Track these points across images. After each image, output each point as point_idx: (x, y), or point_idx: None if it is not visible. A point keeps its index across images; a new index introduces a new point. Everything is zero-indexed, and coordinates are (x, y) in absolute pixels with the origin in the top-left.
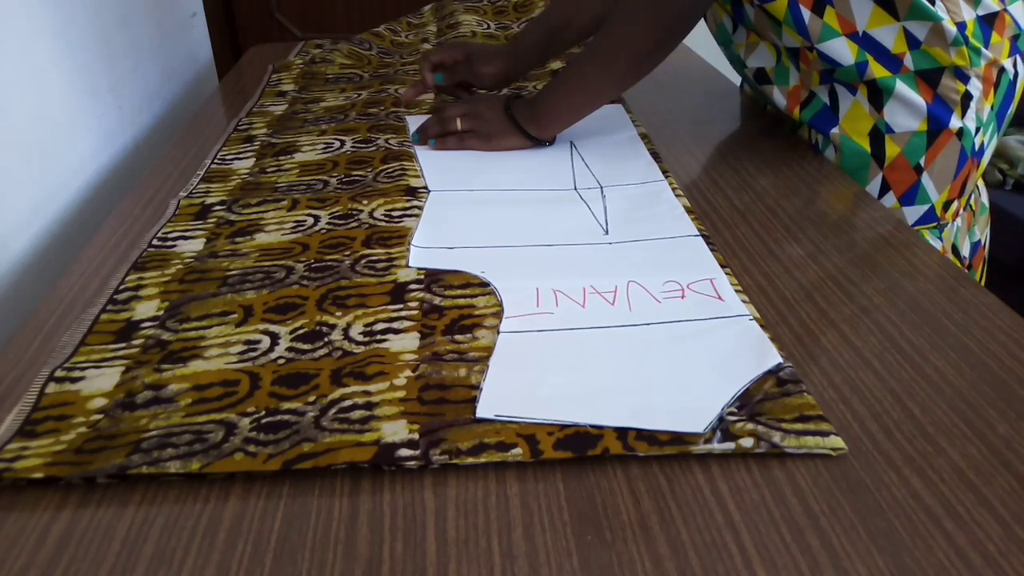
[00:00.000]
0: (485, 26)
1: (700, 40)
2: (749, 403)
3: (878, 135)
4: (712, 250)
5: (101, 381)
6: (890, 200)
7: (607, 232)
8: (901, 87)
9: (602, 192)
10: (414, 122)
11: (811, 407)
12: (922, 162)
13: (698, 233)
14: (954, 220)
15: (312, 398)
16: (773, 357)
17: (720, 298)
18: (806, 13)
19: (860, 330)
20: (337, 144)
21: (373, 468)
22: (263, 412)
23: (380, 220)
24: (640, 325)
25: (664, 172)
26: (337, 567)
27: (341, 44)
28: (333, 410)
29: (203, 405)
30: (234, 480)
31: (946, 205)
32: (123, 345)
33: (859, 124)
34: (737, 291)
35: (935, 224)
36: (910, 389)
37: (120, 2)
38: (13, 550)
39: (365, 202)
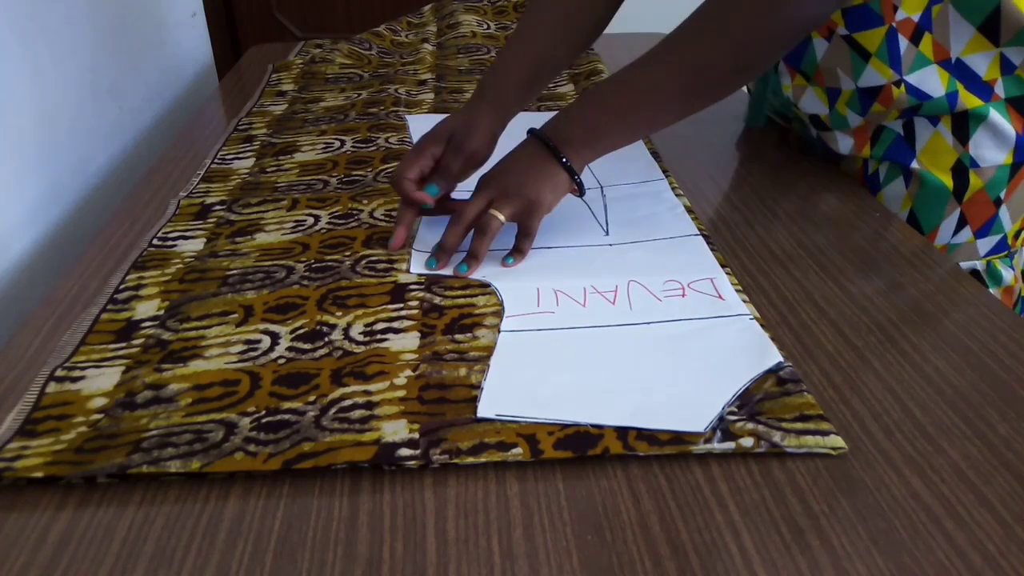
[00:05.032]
0: (485, 26)
1: None
2: (749, 402)
3: (962, 169)
4: (712, 249)
5: (101, 381)
6: (966, 235)
7: (607, 233)
8: (994, 116)
9: (602, 192)
10: (415, 122)
11: (811, 406)
12: (1003, 195)
13: (698, 232)
14: (1023, 246)
15: (312, 398)
16: (773, 356)
17: (720, 297)
18: (903, 42)
19: (860, 330)
20: (337, 144)
21: (373, 468)
22: (263, 412)
23: (380, 220)
24: (641, 324)
25: (664, 172)
26: (337, 567)
27: (341, 44)
28: (333, 410)
29: (203, 405)
30: (234, 480)
31: (1017, 234)
32: (123, 345)
33: (941, 158)
34: (737, 290)
35: (1006, 253)
36: (910, 389)
37: (120, 2)
38: (13, 550)
39: (365, 202)
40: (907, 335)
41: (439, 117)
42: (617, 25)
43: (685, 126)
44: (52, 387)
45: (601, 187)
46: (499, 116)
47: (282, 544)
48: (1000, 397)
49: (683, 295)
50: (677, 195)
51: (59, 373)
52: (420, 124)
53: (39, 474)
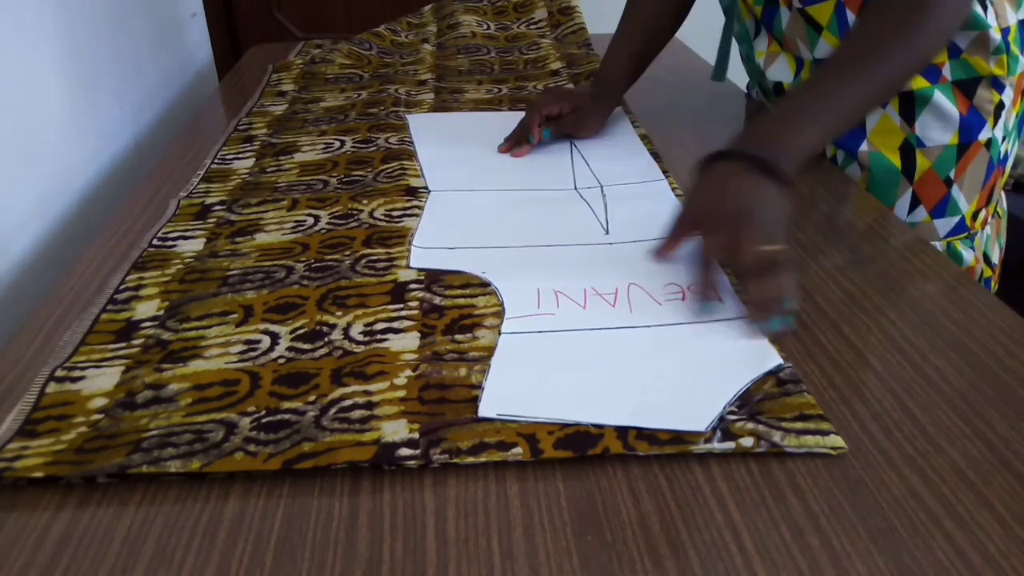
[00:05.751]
0: (485, 26)
1: (700, 39)
2: (749, 402)
3: (909, 149)
4: None
5: (101, 381)
6: (921, 214)
7: (607, 232)
8: (939, 97)
9: (602, 192)
10: (415, 121)
11: (811, 406)
12: (952, 174)
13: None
14: (983, 228)
15: (312, 398)
16: (773, 358)
17: (720, 299)
18: (851, 16)
19: (860, 330)
20: (337, 144)
21: (373, 468)
22: (263, 412)
23: (380, 220)
24: (641, 327)
25: (664, 172)
26: (337, 567)
27: (341, 44)
28: (333, 410)
29: (203, 405)
30: (234, 480)
31: (975, 215)
32: (123, 345)
33: (889, 138)
34: (738, 291)
35: (966, 234)
36: (910, 389)
37: (120, 2)
38: (13, 550)
39: (365, 202)
40: (908, 335)
41: (439, 117)
42: (616, 26)
43: (685, 127)
44: (52, 387)
45: (601, 187)
46: (610, 108)
47: (282, 544)
48: (1000, 397)
49: (683, 298)
50: (677, 195)
51: (59, 373)
52: (420, 124)
53: (39, 474)
